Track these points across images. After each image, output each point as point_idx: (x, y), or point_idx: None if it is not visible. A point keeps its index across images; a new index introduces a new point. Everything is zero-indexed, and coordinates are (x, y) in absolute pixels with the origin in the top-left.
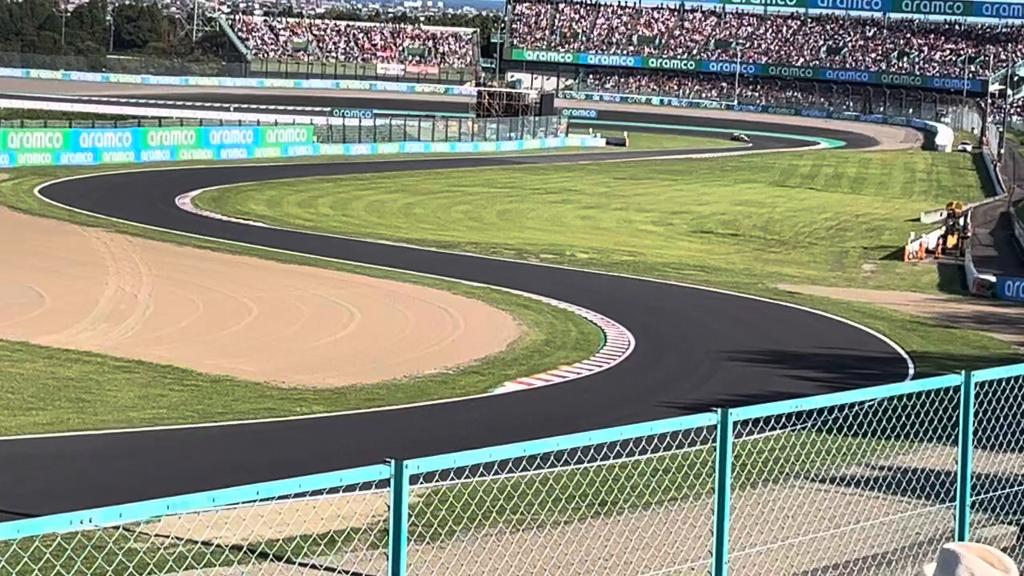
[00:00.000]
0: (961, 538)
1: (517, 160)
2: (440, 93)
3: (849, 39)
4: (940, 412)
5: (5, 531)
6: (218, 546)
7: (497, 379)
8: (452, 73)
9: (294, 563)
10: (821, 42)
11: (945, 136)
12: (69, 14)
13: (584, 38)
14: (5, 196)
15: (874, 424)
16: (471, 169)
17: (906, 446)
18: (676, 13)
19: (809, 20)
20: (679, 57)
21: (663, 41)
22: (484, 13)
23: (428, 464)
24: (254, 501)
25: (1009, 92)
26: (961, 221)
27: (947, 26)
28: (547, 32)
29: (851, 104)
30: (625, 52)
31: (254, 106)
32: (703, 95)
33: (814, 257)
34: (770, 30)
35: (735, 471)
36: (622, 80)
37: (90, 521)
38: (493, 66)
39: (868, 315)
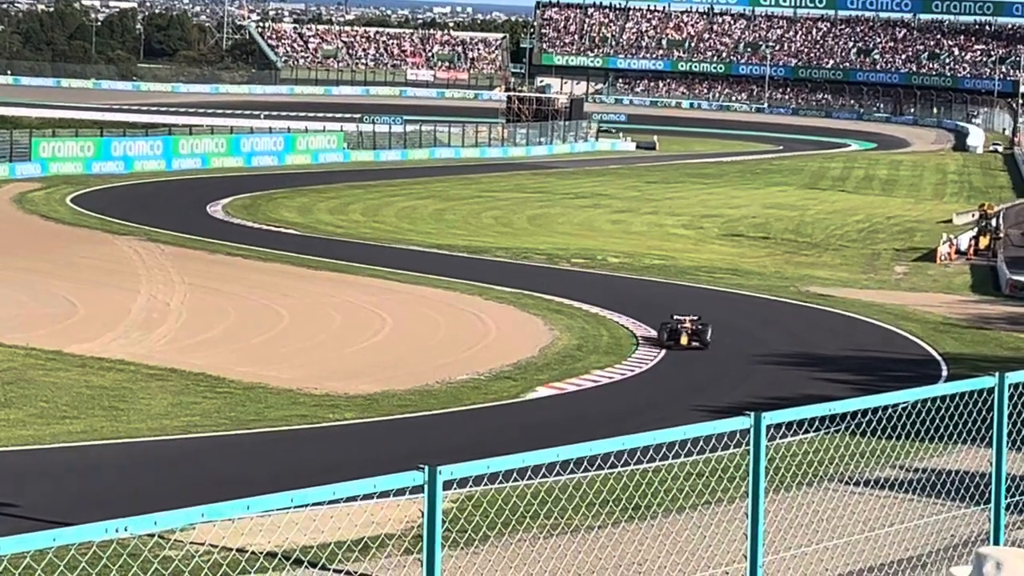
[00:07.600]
0: (996, 540)
1: (547, 165)
2: (470, 98)
3: (879, 40)
4: (974, 414)
5: (41, 540)
6: (253, 553)
7: (529, 384)
8: (482, 78)
9: (328, 569)
10: (851, 44)
11: (976, 137)
12: (99, 23)
13: (613, 42)
14: (37, 205)
15: (908, 426)
16: (501, 174)
17: (940, 448)
18: (705, 16)
19: (839, 22)
20: (708, 60)
21: (692, 44)
22: (513, 18)
23: (462, 470)
24: (288, 508)
25: None
26: (993, 222)
27: (977, 27)
28: (576, 37)
29: (881, 106)
30: (654, 56)
31: (284, 113)
32: (733, 98)
33: (846, 259)
34: (800, 32)
35: (768, 474)
36: (651, 84)
37: (125, 530)
38: (522, 71)
39: (900, 317)
